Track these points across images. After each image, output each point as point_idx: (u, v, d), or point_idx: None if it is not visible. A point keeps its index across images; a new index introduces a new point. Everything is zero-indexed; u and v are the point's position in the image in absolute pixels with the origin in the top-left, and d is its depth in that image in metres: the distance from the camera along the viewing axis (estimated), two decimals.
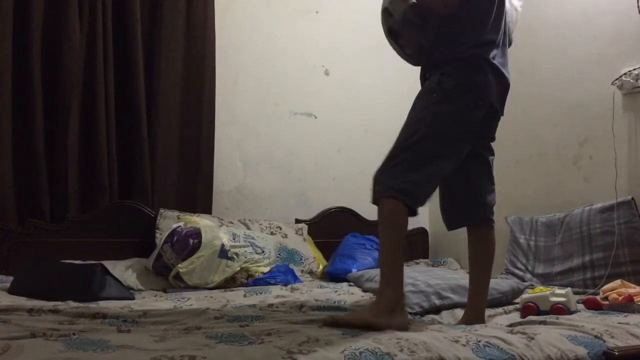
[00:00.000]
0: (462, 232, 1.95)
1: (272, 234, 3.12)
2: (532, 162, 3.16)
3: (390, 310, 1.59)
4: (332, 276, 2.87)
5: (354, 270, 2.80)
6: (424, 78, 1.90)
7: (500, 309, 2.11)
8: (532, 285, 2.64)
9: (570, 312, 1.94)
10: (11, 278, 2.28)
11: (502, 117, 1.89)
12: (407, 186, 1.69)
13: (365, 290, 2.48)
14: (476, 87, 1.75)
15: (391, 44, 1.94)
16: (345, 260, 2.96)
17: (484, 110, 1.78)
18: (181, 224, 2.72)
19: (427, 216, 3.63)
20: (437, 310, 2.09)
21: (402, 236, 1.69)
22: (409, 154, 1.72)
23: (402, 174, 1.70)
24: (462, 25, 1.79)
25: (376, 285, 2.38)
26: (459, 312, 1.98)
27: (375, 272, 2.55)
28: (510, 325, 1.79)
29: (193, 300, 2.15)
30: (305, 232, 3.30)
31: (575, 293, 2.13)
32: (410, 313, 2.01)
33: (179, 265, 2.51)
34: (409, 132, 1.76)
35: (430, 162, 1.73)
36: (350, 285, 2.65)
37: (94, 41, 2.91)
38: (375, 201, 1.75)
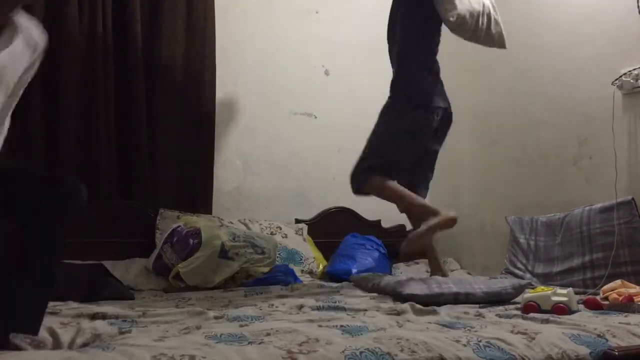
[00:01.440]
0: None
1: (272, 234, 3.12)
2: (532, 162, 3.16)
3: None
4: (332, 276, 2.87)
5: (354, 270, 2.80)
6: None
7: (501, 307, 2.10)
8: (532, 285, 2.63)
9: (572, 312, 1.94)
10: None
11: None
12: (369, 163, 2.04)
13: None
14: (422, 98, 1.87)
15: None
16: (345, 260, 2.95)
17: (437, 116, 1.89)
18: (181, 224, 2.72)
19: None
20: (436, 302, 2.06)
21: (389, 186, 2.03)
22: (375, 158, 2.07)
23: (366, 166, 2.06)
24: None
25: (377, 284, 2.40)
26: (460, 308, 1.98)
27: (378, 276, 2.54)
28: (512, 317, 1.79)
29: (193, 300, 2.14)
30: (305, 232, 3.30)
31: (575, 293, 2.12)
32: (410, 302, 2.02)
33: (179, 265, 2.51)
34: (375, 146, 2.11)
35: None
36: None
37: (94, 41, 2.91)
38: (358, 192, 2.21)
